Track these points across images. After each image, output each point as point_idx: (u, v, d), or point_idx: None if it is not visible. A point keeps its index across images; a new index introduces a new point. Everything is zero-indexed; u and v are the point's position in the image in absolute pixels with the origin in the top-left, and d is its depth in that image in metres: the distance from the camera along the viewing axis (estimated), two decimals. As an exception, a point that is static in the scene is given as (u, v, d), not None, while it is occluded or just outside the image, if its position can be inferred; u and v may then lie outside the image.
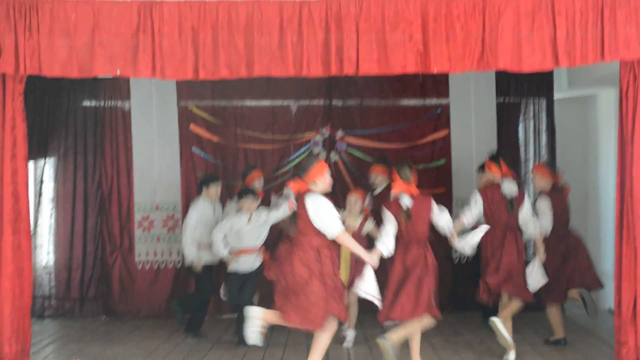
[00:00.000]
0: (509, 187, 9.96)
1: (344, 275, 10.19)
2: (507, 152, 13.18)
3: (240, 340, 10.53)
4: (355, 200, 10.73)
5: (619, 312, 8.80)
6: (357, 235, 10.33)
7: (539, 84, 13.39)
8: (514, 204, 9.88)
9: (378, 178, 11.73)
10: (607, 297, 13.18)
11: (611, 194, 12.70)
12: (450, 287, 12.94)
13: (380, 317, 9.01)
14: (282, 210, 10.77)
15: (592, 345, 10.62)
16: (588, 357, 9.98)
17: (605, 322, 12.14)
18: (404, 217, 9.02)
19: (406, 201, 9.04)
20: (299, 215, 8.49)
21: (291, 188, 8.69)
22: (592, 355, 10.08)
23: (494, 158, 10.23)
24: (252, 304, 10.28)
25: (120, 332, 11.94)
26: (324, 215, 8.31)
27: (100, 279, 13.21)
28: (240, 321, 10.40)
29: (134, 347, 10.96)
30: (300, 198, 8.50)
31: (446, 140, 13.29)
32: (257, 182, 11.49)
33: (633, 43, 8.57)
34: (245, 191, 10.81)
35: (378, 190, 11.71)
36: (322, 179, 8.54)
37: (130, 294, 13.13)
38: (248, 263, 10.74)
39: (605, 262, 13.34)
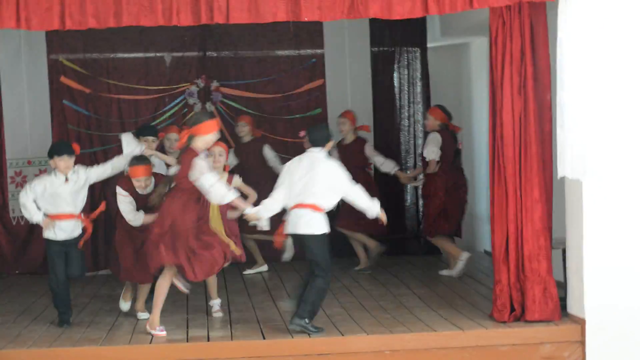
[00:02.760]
0: None
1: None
2: (382, 100, 13.37)
3: (62, 320, 9.40)
4: (219, 152, 9.88)
5: (493, 253, 9.00)
6: None
7: (413, 33, 13.54)
8: None
9: None
10: (482, 239, 13.50)
11: (484, 139, 12.94)
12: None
13: None
14: (110, 165, 9.57)
15: (467, 286, 10.89)
16: (464, 297, 10.20)
17: (481, 263, 12.43)
18: None
19: None
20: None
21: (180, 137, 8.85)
22: (468, 294, 10.33)
23: None
24: (83, 276, 9.64)
25: (-5, 289, 11.70)
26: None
27: (-26, 237, 12.95)
28: (64, 300, 9.48)
29: (9, 303, 10.75)
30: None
31: (322, 89, 13.37)
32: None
33: (502, -11, 8.65)
34: (59, 147, 9.52)
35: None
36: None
37: (5, 250, 12.86)
38: (67, 230, 9.39)
39: (480, 205, 13.63)
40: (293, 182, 8.76)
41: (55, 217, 9.32)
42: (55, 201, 9.31)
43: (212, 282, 9.80)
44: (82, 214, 9.48)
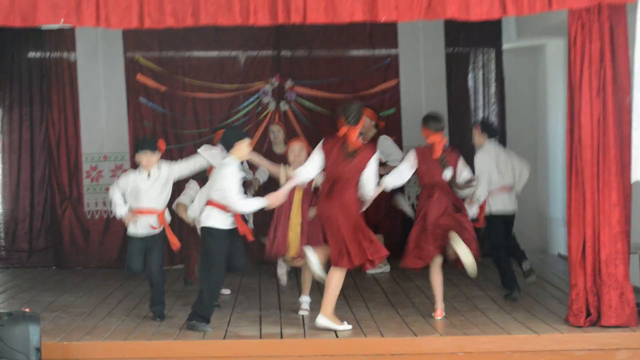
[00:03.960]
0: None
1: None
2: (457, 102, 13.29)
3: (157, 314, 9.46)
4: (300, 148, 9.74)
5: (570, 257, 8.89)
6: (307, 190, 9.62)
7: (488, 34, 13.43)
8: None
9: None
10: (557, 242, 13.36)
11: (559, 142, 12.83)
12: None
13: None
14: (193, 162, 9.49)
15: (542, 289, 10.75)
16: (539, 300, 10.10)
17: (555, 266, 12.31)
18: None
19: None
20: None
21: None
22: (542, 298, 10.22)
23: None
24: (159, 275, 9.47)
25: (71, 282, 11.88)
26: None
27: (49, 230, 13.17)
28: (155, 294, 9.54)
29: (86, 295, 10.93)
30: None
31: (396, 90, 13.33)
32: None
33: (581, -9, 8.55)
34: (142, 143, 9.58)
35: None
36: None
37: (81, 244, 13.09)
38: (147, 226, 9.41)
39: (555, 209, 13.49)
40: (495, 171, 10.26)
41: (138, 212, 9.38)
42: (138, 196, 9.36)
43: (308, 278, 9.74)
44: (166, 210, 9.49)
